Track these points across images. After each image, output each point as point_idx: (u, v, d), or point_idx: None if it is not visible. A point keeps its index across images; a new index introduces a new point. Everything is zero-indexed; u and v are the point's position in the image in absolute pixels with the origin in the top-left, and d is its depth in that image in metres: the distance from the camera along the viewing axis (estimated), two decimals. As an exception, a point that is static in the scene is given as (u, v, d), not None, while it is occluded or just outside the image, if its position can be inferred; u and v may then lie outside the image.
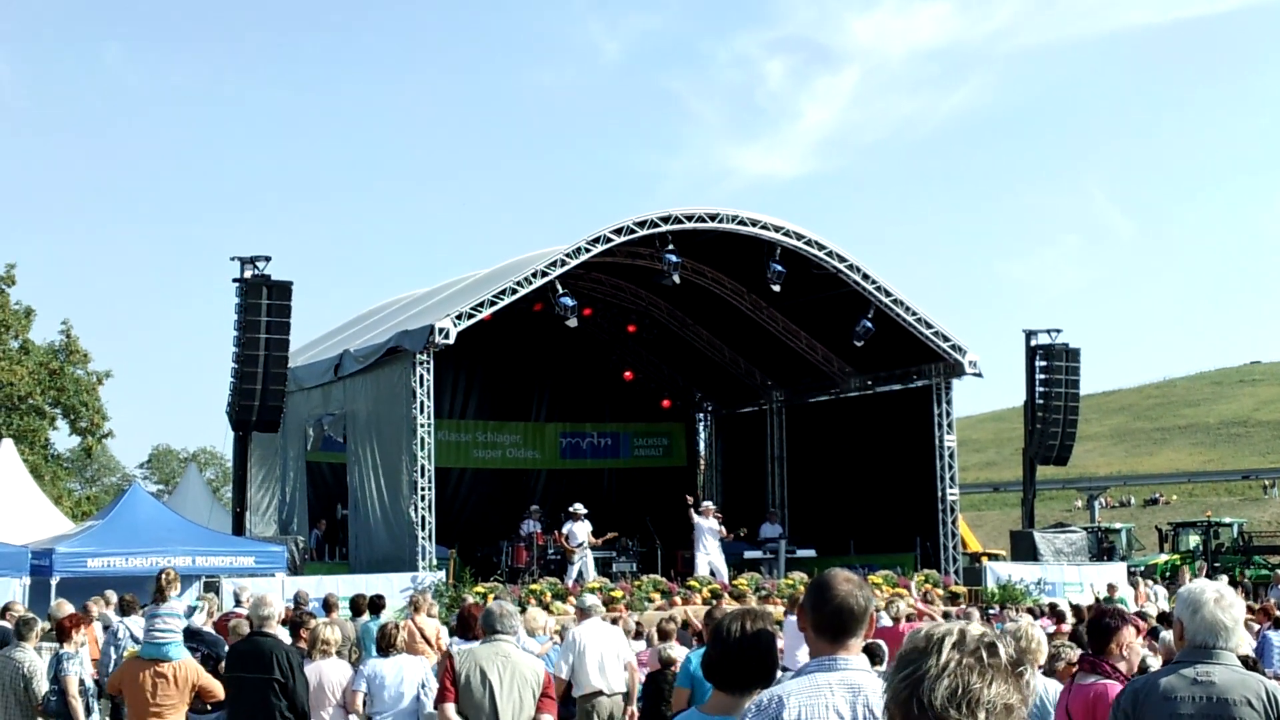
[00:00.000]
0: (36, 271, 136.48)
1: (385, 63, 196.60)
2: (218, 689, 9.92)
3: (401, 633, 11.25)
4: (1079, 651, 7.92)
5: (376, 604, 17.16)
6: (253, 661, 10.04)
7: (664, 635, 14.04)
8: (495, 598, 16.64)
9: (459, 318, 24.69)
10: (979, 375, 29.16)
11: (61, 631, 12.08)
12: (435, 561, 24.22)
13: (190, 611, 14.02)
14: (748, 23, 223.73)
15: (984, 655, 2.81)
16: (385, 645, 11.06)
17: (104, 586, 17.99)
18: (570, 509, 26.39)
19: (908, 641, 2.92)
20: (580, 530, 25.84)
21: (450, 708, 8.58)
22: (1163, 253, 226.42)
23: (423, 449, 24.60)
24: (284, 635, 11.15)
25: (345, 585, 20.78)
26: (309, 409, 28.83)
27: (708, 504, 28.07)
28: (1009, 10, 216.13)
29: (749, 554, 28.71)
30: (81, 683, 11.66)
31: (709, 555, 26.40)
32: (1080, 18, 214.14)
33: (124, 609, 15.30)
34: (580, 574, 25.27)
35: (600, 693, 12.80)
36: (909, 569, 27.80)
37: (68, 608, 14.41)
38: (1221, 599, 5.26)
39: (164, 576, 13.43)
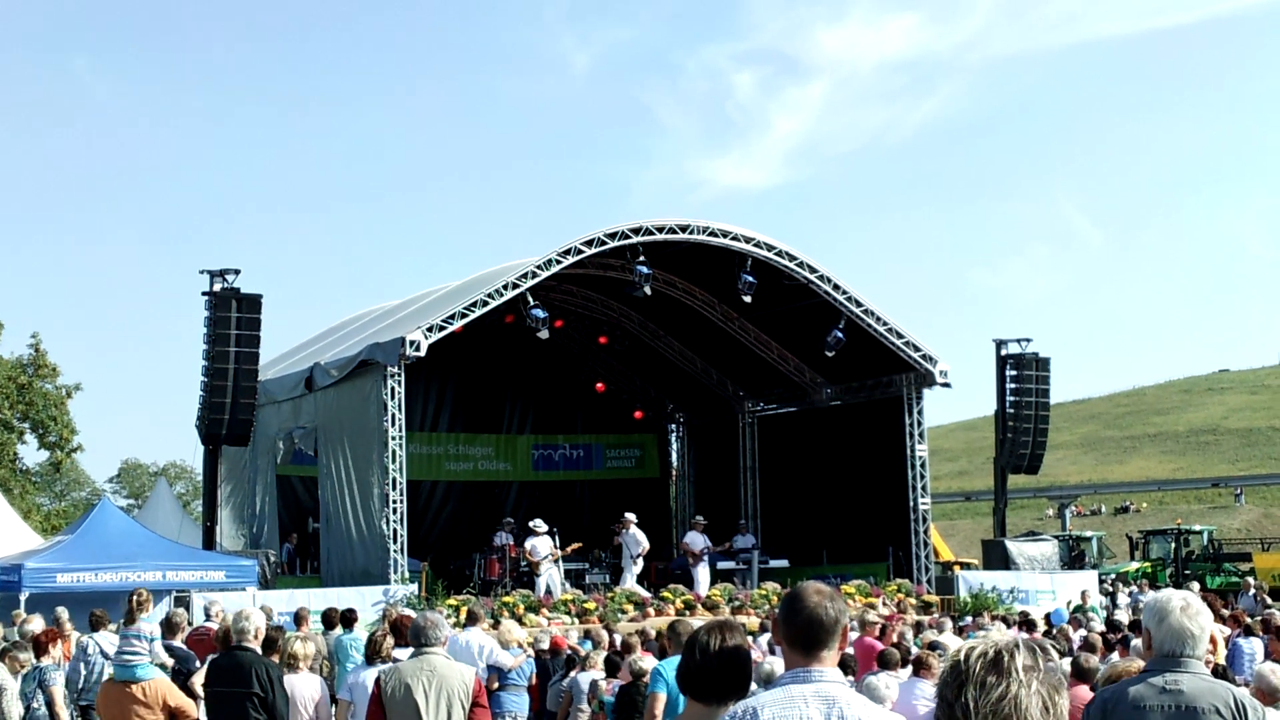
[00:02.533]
0: (4, 284, 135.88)
1: (356, 75, 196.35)
2: (190, 707, 9.87)
3: (387, 641, 11.24)
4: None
5: (349, 618, 17.11)
6: (231, 676, 9.99)
7: (628, 648, 14.06)
8: (469, 610, 16.60)
9: (430, 330, 24.65)
10: (948, 385, 29.22)
11: (38, 646, 12.02)
12: (407, 574, 24.15)
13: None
14: (717, 35, 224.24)
15: (1047, 667, 3.00)
16: (372, 654, 11.04)
17: (73, 602, 17.91)
18: (530, 524, 26.40)
19: (964, 662, 2.97)
20: (542, 545, 25.88)
21: None
22: (1131, 261, 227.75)
23: (394, 461, 24.54)
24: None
25: (317, 599, 20.72)
26: (280, 422, 28.72)
27: (698, 518, 28.91)
28: (978, 21, 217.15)
29: (722, 565, 28.73)
30: (65, 694, 11.62)
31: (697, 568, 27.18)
32: (1049, 29, 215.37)
33: (93, 624, 15.21)
34: (548, 588, 25.25)
35: None
36: (882, 578, 27.84)
37: (36, 622, 14.32)
38: (1188, 607, 5.29)
39: (135, 598, 13.33)
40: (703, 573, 27.15)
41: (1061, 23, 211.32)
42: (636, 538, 26.73)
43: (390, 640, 11.24)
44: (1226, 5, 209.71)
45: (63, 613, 16.71)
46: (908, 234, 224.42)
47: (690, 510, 34.20)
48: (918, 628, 19.71)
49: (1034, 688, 2.91)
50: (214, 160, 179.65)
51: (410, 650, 9.10)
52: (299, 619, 17.46)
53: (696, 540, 27.70)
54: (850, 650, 13.99)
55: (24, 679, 11.76)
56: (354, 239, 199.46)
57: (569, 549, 26.44)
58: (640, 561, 26.76)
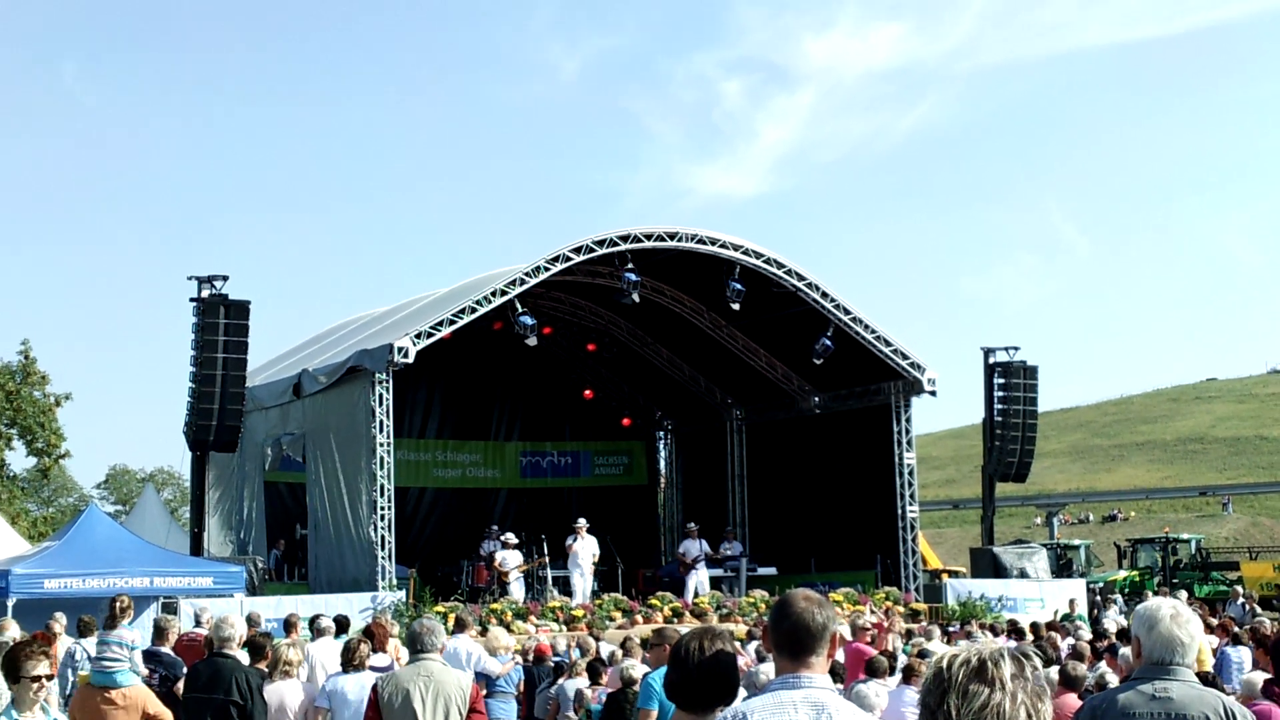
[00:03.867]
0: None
1: (345, 81, 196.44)
2: (167, 715, 9.84)
3: (364, 649, 11.19)
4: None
5: (338, 624, 17.05)
6: (211, 682, 9.96)
7: (628, 653, 14.05)
8: (457, 616, 16.57)
9: (419, 336, 24.62)
10: (935, 393, 29.21)
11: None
12: (395, 581, 24.11)
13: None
14: (704, 43, 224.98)
15: (1032, 676, 2.96)
16: (348, 661, 11.00)
17: (61, 608, 17.81)
18: (501, 538, 26.46)
19: (947, 670, 2.96)
20: (511, 558, 25.97)
21: None
22: (1119, 270, 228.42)
23: (382, 468, 24.51)
24: (243, 657, 11.08)
25: (305, 606, 20.64)
26: (268, 428, 28.67)
27: (691, 525, 28.92)
28: (964, 30, 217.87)
29: (710, 572, 28.75)
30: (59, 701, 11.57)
31: (697, 574, 27.41)
32: (1036, 37, 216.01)
33: (81, 630, 15.16)
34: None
35: None
36: (870, 586, 27.85)
37: (12, 628, 14.21)
38: (1178, 615, 5.29)
39: (118, 603, 13.25)
40: (694, 579, 27.11)
41: (1048, 31, 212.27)
42: (589, 545, 26.71)
43: (366, 648, 11.21)
44: (1214, 14, 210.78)
45: (61, 617, 16.61)
46: (895, 242, 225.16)
47: (679, 518, 34.18)
48: (907, 635, 19.72)
49: (1019, 697, 2.90)
50: (202, 166, 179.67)
51: (406, 657, 9.10)
52: (289, 626, 17.40)
53: (692, 548, 27.67)
54: (840, 657, 13.99)
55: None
56: (342, 245, 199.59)
57: (535, 563, 26.46)
58: (592, 568, 26.67)
